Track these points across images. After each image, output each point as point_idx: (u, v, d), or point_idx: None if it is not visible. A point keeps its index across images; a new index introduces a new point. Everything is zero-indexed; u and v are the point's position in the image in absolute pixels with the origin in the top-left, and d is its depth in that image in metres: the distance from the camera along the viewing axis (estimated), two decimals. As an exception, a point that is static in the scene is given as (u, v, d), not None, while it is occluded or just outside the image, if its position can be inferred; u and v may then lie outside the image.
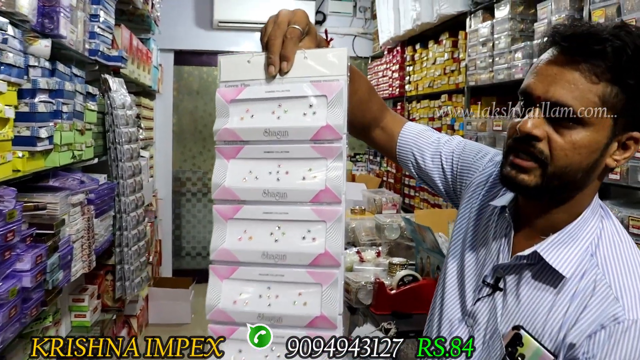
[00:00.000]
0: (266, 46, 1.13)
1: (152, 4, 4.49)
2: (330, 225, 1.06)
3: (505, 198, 1.25)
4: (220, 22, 6.11)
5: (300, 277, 1.05)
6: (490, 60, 3.64)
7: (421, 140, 1.44)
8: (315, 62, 1.12)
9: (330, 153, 1.09)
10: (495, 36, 3.58)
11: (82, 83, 2.83)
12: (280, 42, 1.10)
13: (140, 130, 4.52)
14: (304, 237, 1.07)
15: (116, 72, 3.64)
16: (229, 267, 1.09)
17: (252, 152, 1.13)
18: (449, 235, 2.28)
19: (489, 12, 3.79)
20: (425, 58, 4.86)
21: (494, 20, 3.62)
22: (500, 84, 3.53)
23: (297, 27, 1.12)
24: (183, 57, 6.54)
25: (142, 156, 4.40)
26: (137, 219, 3.63)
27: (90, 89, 2.94)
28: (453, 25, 4.30)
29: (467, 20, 4.02)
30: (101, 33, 3.05)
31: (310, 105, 1.11)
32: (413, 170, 1.45)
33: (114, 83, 3.43)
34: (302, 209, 1.08)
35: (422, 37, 4.99)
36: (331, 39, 1.28)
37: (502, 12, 3.54)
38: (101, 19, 3.01)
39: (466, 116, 3.94)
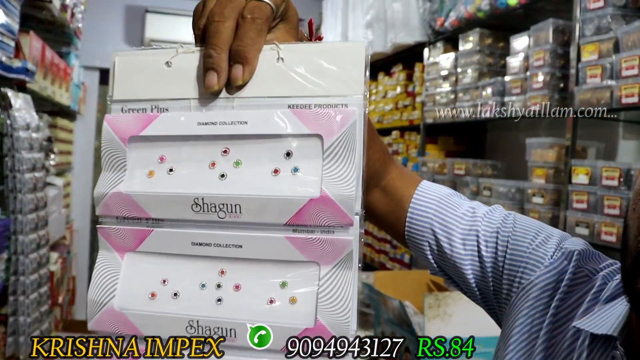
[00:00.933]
0: (204, 35, 0.55)
1: (72, 13, 3.81)
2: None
3: (603, 319, 0.71)
4: (152, 40, 5.48)
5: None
6: (453, 97, 3.15)
7: (446, 210, 0.88)
8: (302, 67, 0.56)
9: (328, 254, 0.52)
10: (459, 70, 3.10)
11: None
12: (231, 28, 0.54)
13: (53, 156, 3.82)
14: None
15: (22, 87, 2.95)
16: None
17: (168, 243, 0.56)
18: (423, 312, 1.74)
19: (451, 43, 3.32)
20: (374, 91, 4.34)
21: (458, 52, 3.14)
22: (465, 122, 3.04)
23: (266, 1, 0.55)
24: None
25: (52, 184, 3.70)
26: (38, 261, 2.93)
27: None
28: (408, 56, 3.81)
29: (425, 51, 3.54)
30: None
31: (288, 154, 0.55)
32: (430, 256, 0.89)
33: (18, 100, 2.75)
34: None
35: (372, 67, 4.49)
36: (320, 37, 0.71)
37: (467, 44, 3.06)
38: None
39: (421, 156, 3.44)
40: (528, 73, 2.57)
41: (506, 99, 2.73)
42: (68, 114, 4.82)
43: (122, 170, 0.59)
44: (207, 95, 0.57)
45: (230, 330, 0.55)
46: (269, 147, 0.56)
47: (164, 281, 0.57)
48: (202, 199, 0.55)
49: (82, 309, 5.60)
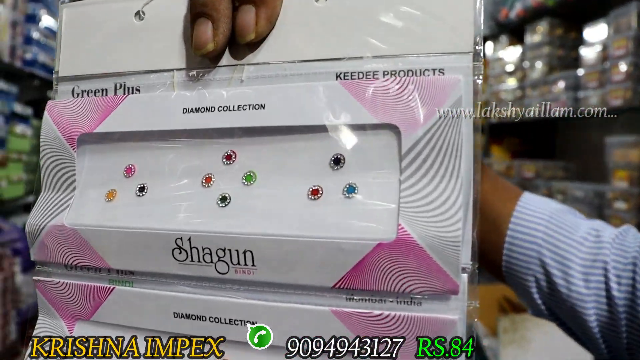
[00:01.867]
0: None
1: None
2: None
3: None
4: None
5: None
6: (521, 93, 2.84)
7: (560, 232, 0.60)
8: (359, 9, 0.30)
9: (410, 345, 0.25)
10: (527, 64, 2.79)
11: (9, 100, 2.00)
12: None
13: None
14: None
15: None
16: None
17: (138, 311, 0.33)
18: (495, 334, 1.46)
19: (516, 35, 3.00)
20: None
21: (525, 45, 2.83)
22: (533, 121, 2.73)
23: None
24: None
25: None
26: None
27: (21, 108, 2.10)
28: (469, 52, 3.51)
29: (489, 45, 3.23)
30: (42, 40, 2.22)
31: (337, 162, 0.28)
32: (537, 295, 0.61)
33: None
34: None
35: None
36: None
37: (535, 35, 2.75)
38: (42, 23, 2.19)
39: (486, 157, 3.13)
40: (607, 64, 2.24)
41: (581, 94, 2.41)
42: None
43: (69, 188, 0.35)
44: (199, 63, 0.32)
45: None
46: (304, 149, 0.30)
47: None
48: (190, 240, 0.31)
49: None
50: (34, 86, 2.37)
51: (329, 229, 0.29)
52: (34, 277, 0.36)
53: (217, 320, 0.31)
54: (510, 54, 2.97)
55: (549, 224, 0.61)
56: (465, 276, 0.28)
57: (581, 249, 0.60)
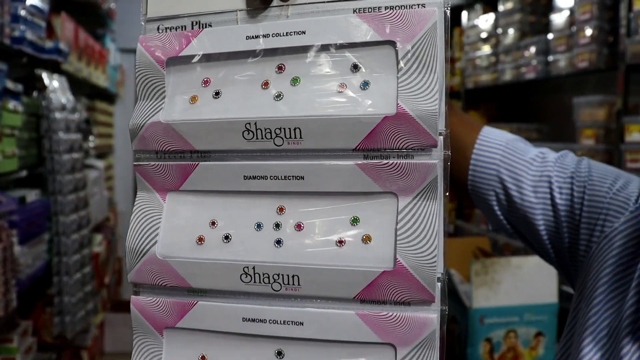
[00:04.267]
0: None
1: (104, -7, 3.75)
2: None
3: None
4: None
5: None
6: (494, 59, 3.01)
7: (513, 155, 0.78)
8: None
9: (406, 183, 0.44)
10: (500, 31, 2.96)
11: (0, 77, 2.11)
12: None
13: (92, 138, 3.79)
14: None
15: (56, 69, 2.90)
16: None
17: (216, 178, 0.48)
18: (469, 280, 1.63)
19: (490, 4, 3.16)
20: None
21: (498, 13, 2.99)
22: (506, 84, 2.90)
23: None
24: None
25: (93, 167, 3.67)
26: (80, 242, 2.90)
27: (12, 85, 2.21)
28: (444, 22, 3.67)
29: (463, 14, 3.39)
30: (29, 18, 2.33)
31: (356, 67, 0.45)
32: (497, 208, 0.79)
33: (52, 81, 2.70)
34: (335, 314, 0.47)
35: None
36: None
37: (508, 3, 2.91)
38: (28, 1, 2.29)
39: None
40: (574, 28, 2.42)
41: (550, 57, 2.59)
42: (106, 96, 4.79)
43: (160, 97, 0.50)
44: (257, 5, 0.47)
45: (293, 277, 0.46)
46: (332, 60, 0.46)
47: (213, 223, 0.49)
48: (255, 124, 0.46)
49: (128, 289, 5.62)
50: (22, 63, 2.47)
51: (351, 109, 0.45)
52: (135, 163, 0.51)
53: (275, 177, 0.47)
54: (484, 21, 3.13)
55: (505, 149, 0.78)
56: (441, 137, 0.44)
57: (531, 167, 0.77)
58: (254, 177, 0.47)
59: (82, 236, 2.93)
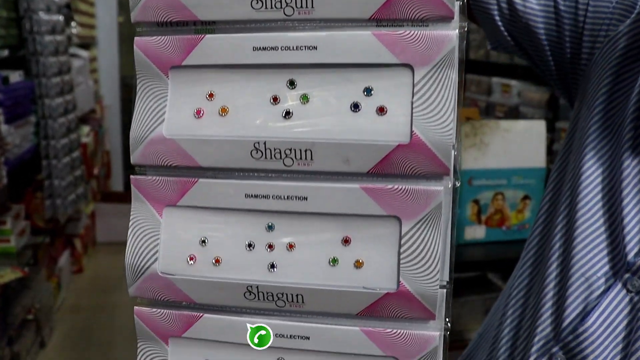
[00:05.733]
0: None
1: None
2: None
3: None
4: None
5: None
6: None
7: None
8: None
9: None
10: None
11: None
12: None
13: (74, 24, 3.73)
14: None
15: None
16: (178, 187, 0.50)
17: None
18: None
19: None
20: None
21: None
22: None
23: None
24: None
25: (77, 55, 3.64)
26: (67, 126, 2.92)
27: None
28: None
29: None
30: None
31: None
32: (498, 18, 0.76)
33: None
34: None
35: None
36: None
37: None
38: None
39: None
40: None
41: None
42: (86, -15, 4.68)
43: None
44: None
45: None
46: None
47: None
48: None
49: (117, 181, 5.70)
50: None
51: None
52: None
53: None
54: None
55: None
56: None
57: None
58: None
59: (69, 120, 2.95)
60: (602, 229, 0.65)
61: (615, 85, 0.68)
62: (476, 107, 2.32)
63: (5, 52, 2.41)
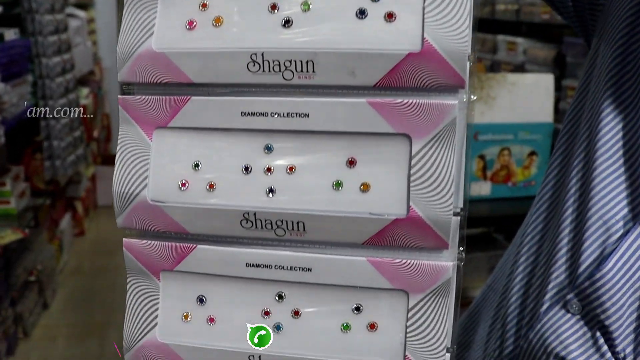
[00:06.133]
0: None
1: None
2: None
3: None
4: None
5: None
6: None
7: None
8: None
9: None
10: None
11: None
12: None
13: (70, -17, 3.66)
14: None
15: None
16: (168, 107, 0.45)
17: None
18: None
19: None
20: None
21: None
22: None
23: None
24: None
25: (74, 15, 3.58)
26: (65, 86, 2.88)
27: None
28: None
29: None
30: None
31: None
32: None
33: None
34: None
35: None
36: None
37: None
38: None
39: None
40: None
41: None
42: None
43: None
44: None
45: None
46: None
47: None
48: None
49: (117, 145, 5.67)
50: None
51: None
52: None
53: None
54: None
55: None
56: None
57: None
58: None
59: (67, 80, 2.90)
60: (622, 170, 0.61)
61: (638, 18, 0.63)
62: (482, 64, 2.26)
63: (0, 9, 2.36)
